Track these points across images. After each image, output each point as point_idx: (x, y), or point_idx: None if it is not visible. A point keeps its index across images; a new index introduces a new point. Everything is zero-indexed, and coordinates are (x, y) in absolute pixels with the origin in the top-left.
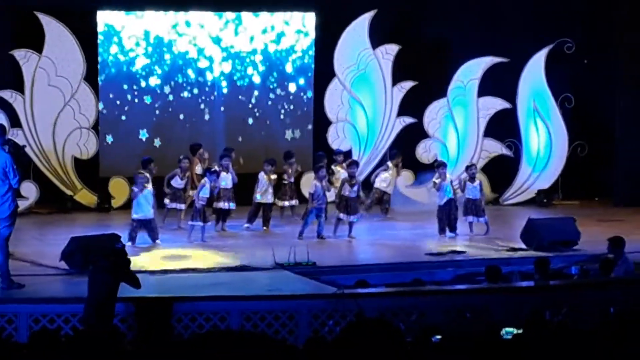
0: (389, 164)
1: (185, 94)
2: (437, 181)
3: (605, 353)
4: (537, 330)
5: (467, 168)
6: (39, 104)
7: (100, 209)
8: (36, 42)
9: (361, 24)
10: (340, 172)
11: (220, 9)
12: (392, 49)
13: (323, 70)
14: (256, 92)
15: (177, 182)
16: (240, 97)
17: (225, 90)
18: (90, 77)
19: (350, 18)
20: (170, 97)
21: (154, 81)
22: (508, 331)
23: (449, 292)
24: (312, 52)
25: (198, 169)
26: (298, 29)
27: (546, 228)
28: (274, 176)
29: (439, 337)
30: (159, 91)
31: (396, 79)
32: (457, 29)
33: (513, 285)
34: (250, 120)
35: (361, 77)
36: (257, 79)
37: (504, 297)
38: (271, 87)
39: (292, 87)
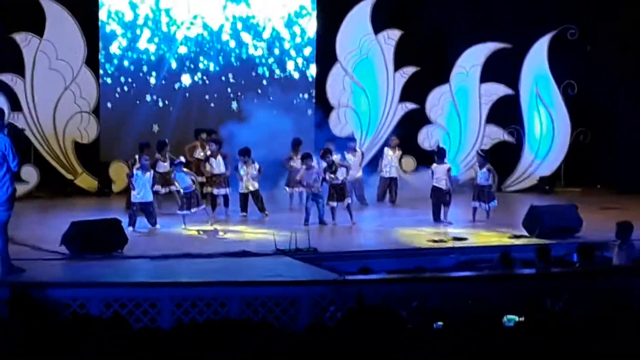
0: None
1: (187, 77)
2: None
3: (606, 340)
4: (538, 318)
5: (477, 154)
6: (39, 88)
7: (101, 194)
8: (37, 26)
9: (363, 9)
10: (352, 160)
11: None
12: (395, 34)
13: (325, 55)
14: (258, 77)
15: (162, 167)
16: (241, 81)
17: (225, 74)
18: (92, 60)
19: (353, 3)
20: (173, 80)
21: (156, 64)
22: (510, 318)
23: (451, 279)
24: (314, 37)
25: (198, 154)
26: (300, 14)
27: (548, 215)
28: (255, 165)
29: (440, 323)
30: (161, 74)
31: (398, 64)
32: (460, 15)
33: (515, 272)
34: (253, 107)
35: (363, 63)
36: (259, 64)
37: (505, 285)
38: (273, 73)
39: (294, 73)
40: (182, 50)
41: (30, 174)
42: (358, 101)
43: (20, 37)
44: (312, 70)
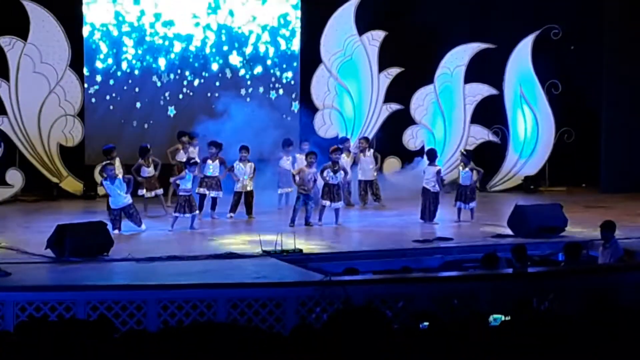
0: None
1: (171, 77)
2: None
3: (592, 339)
4: (524, 317)
5: (460, 154)
6: (24, 91)
7: (86, 197)
8: (21, 29)
9: (347, 10)
10: (346, 160)
11: None
12: (379, 35)
13: (309, 56)
14: (242, 79)
15: (146, 172)
16: (224, 83)
17: (210, 75)
18: (76, 63)
19: (337, 4)
20: (157, 84)
21: (139, 68)
22: (496, 317)
23: (436, 279)
24: (298, 38)
25: (181, 156)
26: (284, 15)
27: (533, 214)
28: (250, 164)
29: (426, 324)
30: (145, 77)
31: (383, 65)
32: (444, 15)
33: (500, 272)
34: (238, 109)
35: (348, 64)
36: (242, 65)
37: (491, 284)
38: (256, 74)
39: (277, 74)
40: (167, 50)
41: (15, 178)
42: (343, 102)
43: (4, 41)
44: (297, 72)
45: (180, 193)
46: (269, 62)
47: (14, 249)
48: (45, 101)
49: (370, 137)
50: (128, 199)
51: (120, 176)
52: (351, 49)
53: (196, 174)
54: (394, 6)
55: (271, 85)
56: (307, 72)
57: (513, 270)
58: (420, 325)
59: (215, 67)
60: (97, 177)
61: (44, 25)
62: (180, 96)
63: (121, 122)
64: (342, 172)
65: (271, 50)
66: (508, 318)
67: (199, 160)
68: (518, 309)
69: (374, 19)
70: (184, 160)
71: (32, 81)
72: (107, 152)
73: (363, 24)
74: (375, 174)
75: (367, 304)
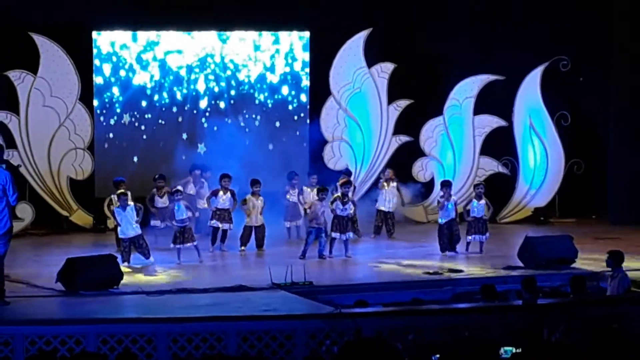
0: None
1: (179, 112)
2: (442, 200)
3: None
4: (535, 349)
5: (475, 187)
6: (34, 125)
7: (96, 230)
8: (31, 63)
9: (356, 43)
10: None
11: (214, 29)
12: (388, 67)
13: (319, 89)
14: (251, 112)
15: (159, 202)
16: (235, 117)
17: (219, 109)
18: (86, 97)
19: (345, 37)
20: (165, 116)
21: (148, 101)
22: (506, 350)
23: (446, 311)
24: (307, 71)
25: (190, 189)
26: (293, 48)
27: (543, 246)
28: (261, 198)
29: (437, 356)
30: (153, 111)
31: (392, 97)
32: (453, 47)
33: (511, 304)
34: (247, 141)
35: (357, 96)
36: (252, 99)
37: (502, 316)
38: (266, 107)
39: (287, 107)
40: (176, 85)
41: (25, 211)
42: (352, 134)
43: (14, 75)
44: (306, 105)
45: (177, 225)
46: (276, 95)
47: (24, 282)
48: (55, 135)
49: (380, 169)
50: (138, 229)
51: (131, 205)
52: (360, 82)
53: (207, 207)
54: (403, 38)
55: (280, 117)
56: (316, 104)
57: (523, 302)
58: (432, 358)
59: (226, 98)
60: (109, 209)
61: (53, 59)
62: (193, 133)
63: (131, 155)
64: (351, 204)
65: (280, 82)
66: (519, 350)
67: (180, 189)
68: (529, 341)
69: (382, 51)
70: (193, 192)
71: (42, 115)
72: (118, 184)
73: (372, 57)
74: (395, 207)
75: (377, 336)
